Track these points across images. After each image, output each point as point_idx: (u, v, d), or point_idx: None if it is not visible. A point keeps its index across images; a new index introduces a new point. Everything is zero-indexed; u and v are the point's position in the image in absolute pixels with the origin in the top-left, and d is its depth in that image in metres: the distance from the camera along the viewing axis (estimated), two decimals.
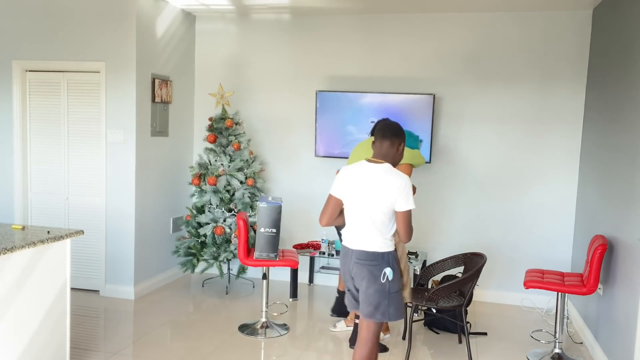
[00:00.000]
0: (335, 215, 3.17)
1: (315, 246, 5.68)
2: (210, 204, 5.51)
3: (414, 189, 4.32)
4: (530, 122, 5.39)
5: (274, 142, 6.01)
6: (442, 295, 4.12)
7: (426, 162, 5.49)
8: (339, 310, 4.83)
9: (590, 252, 4.02)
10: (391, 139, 3.09)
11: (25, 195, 5.44)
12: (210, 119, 5.64)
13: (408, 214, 3.01)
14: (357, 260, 3.04)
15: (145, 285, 5.43)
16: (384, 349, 4.26)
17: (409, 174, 4.23)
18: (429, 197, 5.59)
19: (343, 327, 4.64)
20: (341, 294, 4.65)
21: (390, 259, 3.05)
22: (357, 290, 3.11)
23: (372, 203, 3.01)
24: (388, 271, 3.01)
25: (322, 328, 4.57)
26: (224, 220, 5.46)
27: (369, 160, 3.09)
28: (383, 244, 3.04)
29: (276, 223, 4.40)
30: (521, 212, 5.46)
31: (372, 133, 3.37)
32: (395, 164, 3.13)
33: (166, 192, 5.72)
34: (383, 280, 3.01)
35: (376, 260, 3.02)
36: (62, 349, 3.58)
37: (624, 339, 3.59)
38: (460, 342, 4.48)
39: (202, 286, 5.77)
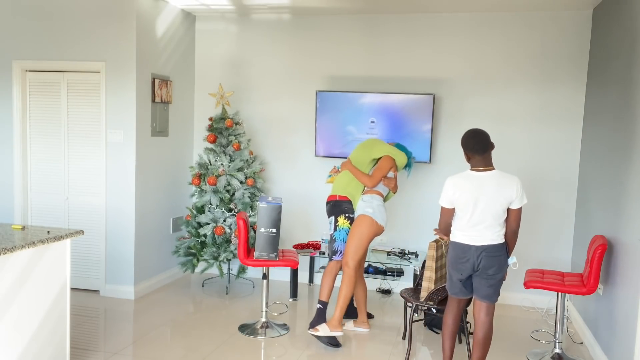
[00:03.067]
0: (451, 222, 3.62)
1: (315, 246, 5.68)
2: (210, 204, 5.51)
3: (396, 187, 4.50)
4: (530, 122, 5.39)
5: (274, 142, 6.01)
6: (442, 295, 4.12)
7: (426, 162, 5.51)
8: (318, 323, 4.30)
9: (590, 252, 4.02)
10: (489, 150, 3.60)
11: (25, 195, 5.44)
12: (210, 119, 5.64)
13: (520, 210, 3.58)
14: (488, 254, 3.47)
15: (145, 285, 5.43)
16: (337, 344, 4.27)
17: (387, 167, 4.38)
18: (429, 197, 5.58)
19: (351, 327, 4.64)
20: (324, 305, 4.32)
21: (506, 248, 3.58)
22: (470, 279, 3.58)
23: (492, 205, 3.46)
24: (512, 259, 3.59)
25: None
26: (224, 220, 5.46)
27: (476, 170, 3.54)
28: (500, 236, 3.53)
29: (276, 223, 4.40)
30: (521, 212, 5.44)
31: (467, 147, 3.74)
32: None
33: (166, 192, 5.72)
34: (515, 267, 3.62)
35: (502, 251, 3.53)
36: (62, 349, 3.58)
37: (624, 339, 3.59)
38: (460, 342, 4.48)
39: (202, 286, 5.77)
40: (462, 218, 3.52)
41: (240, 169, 5.53)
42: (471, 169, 3.57)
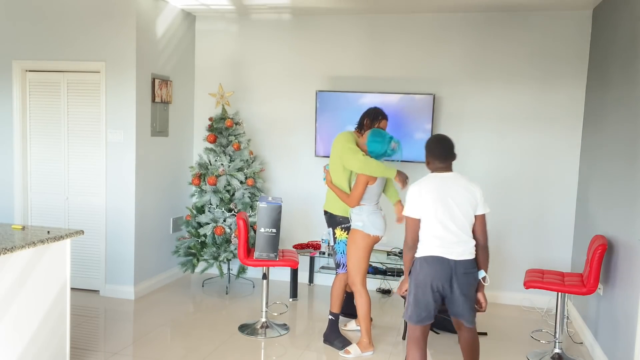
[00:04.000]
0: (418, 232, 3.26)
1: (315, 246, 5.68)
2: (210, 204, 5.51)
3: (403, 181, 4.23)
4: (530, 122, 5.39)
5: (274, 142, 6.01)
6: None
7: (423, 163, 5.49)
8: (332, 337, 4.33)
9: (590, 252, 4.02)
10: (452, 159, 3.34)
11: (25, 195, 5.44)
12: (210, 119, 5.64)
13: (485, 219, 3.31)
14: (465, 269, 3.18)
15: (145, 285, 5.43)
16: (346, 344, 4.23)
17: (363, 184, 4.04)
18: None
19: (353, 327, 4.63)
20: (336, 317, 4.30)
21: (476, 263, 3.27)
22: (442, 301, 3.23)
23: (465, 209, 3.21)
24: (482, 274, 3.27)
25: (322, 328, 4.56)
26: (224, 220, 5.46)
27: (438, 172, 3.28)
28: (474, 249, 3.25)
29: (276, 223, 4.40)
30: (521, 212, 5.46)
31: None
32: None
33: (166, 192, 5.72)
34: (486, 283, 3.29)
35: (475, 266, 3.25)
36: (62, 349, 3.58)
37: (624, 339, 3.59)
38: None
39: (202, 286, 5.77)
40: (432, 226, 3.19)
41: (240, 169, 5.53)
42: (432, 172, 3.33)
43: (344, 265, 4.29)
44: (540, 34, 5.31)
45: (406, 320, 3.31)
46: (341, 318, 4.81)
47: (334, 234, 4.34)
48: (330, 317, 4.34)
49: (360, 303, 4.17)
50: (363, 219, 4.11)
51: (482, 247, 3.28)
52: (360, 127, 4.38)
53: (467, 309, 3.23)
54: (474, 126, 5.51)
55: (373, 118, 4.33)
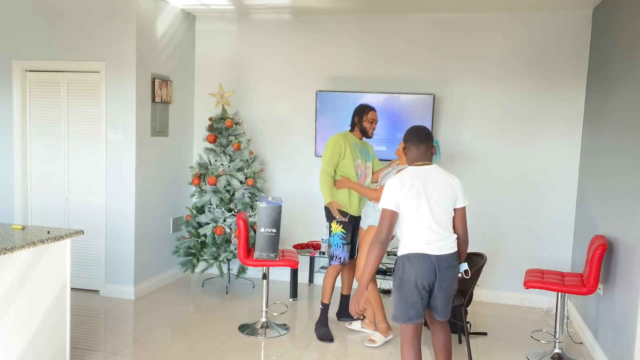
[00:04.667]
0: (394, 227, 3.15)
1: (315, 246, 5.68)
2: (210, 204, 5.50)
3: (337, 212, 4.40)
4: (530, 122, 5.39)
5: (274, 142, 6.01)
6: None
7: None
8: (317, 325, 4.58)
9: (590, 252, 4.02)
10: (427, 142, 3.24)
11: (25, 195, 5.44)
12: (210, 119, 5.64)
13: (465, 209, 3.25)
14: (449, 264, 3.13)
15: (145, 285, 5.43)
16: (330, 339, 4.42)
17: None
18: None
19: (358, 327, 4.65)
20: (325, 307, 4.53)
21: (457, 257, 3.24)
22: (429, 296, 3.15)
23: (445, 202, 3.13)
24: (464, 266, 3.27)
25: None
26: (224, 220, 5.46)
27: (418, 165, 3.19)
28: (455, 243, 3.20)
29: (276, 223, 4.40)
30: (521, 212, 5.46)
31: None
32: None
33: (166, 192, 5.72)
34: (467, 276, 3.28)
35: (456, 260, 3.21)
36: (62, 349, 3.58)
37: (624, 339, 3.59)
38: (460, 342, 4.48)
39: (202, 286, 5.77)
40: (413, 221, 3.09)
41: (240, 169, 5.53)
42: (411, 165, 3.23)
43: (336, 257, 4.45)
44: (540, 34, 5.31)
45: (394, 321, 3.23)
46: (343, 320, 4.83)
47: (330, 227, 4.47)
48: (321, 306, 4.55)
49: (371, 294, 4.39)
50: None
51: (462, 241, 3.24)
52: (353, 127, 4.56)
53: (443, 303, 3.19)
54: (474, 126, 5.51)
55: (360, 114, 4.52)
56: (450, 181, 3.19)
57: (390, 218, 3.10)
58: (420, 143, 3.21)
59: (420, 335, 3.23)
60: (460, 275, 3.26)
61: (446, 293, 3.18)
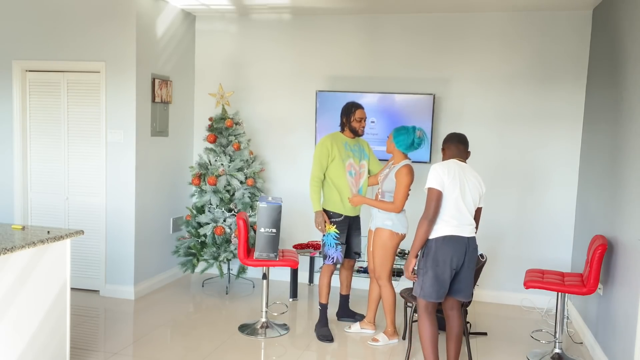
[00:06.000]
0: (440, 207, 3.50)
1: (315, 246, 5.68)
2: (210, 204, 5.51)
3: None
4: (530, 122, 5.39)
5: (274, 142, 6.01)
6: None
7: (426, 162, 5.50)
8: (317, 326, 4.59)
9: (590, 252, 4.02)
10: (464, 144, 3.70)
11: (25, 195, 5.44)
12: (210, 119, 5.64)
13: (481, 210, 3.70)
14: (475, 246, 3.55)
15: (145, 285, 5.43)
16: (330, 339, 4.43)
17: (407, 190, 4.26)
18: None
19: (357, 329, 4.63)
20: (323, 307, 4.54)
21: None
22: (455, 277, 3.52)
23: (476, 194, 3.56)
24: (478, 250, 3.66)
25: None
26: (224, 220, 5.46)
27: (459, 160, 3.61)
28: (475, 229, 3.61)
29: (276, 223, 4.40)
30: (521, 212, 5.46)
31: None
32: None
33: (166, 192, 5.72)
34: (482, 259, 3.78)
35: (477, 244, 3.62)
36: (62, 349, 3.58)
37: (624, 339, 3.59)
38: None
39: (202, 286, 5.77)
40: (452, 205, 3.46)
41: (240, 169, 5.53)
42: (456, 159, 3.64)
43: (329, 257, 4.47)
44: (540, 34, 5.31)
45: (423, 298, 3.55)
46: (343, 320, 4.83)
47: (326, 225, 4.48)
48: (319, 307, 4.56)
49: (385, 296, 4.41)
50: (392, 217, 4.27)
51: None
52: (343, 128, 4.56)
53: (467, 284, 3.58)
54: (474, 126, 5.51)
55: (347, 113, 4.52)
56: (480, 181, 3.62)
57: (437, 197, 3.45)
58: (460, 143, 3.66)
59: (436, 308, 3.64)
60: (481, 257, 3.79)
61: (470, 274, 3.57)
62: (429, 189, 3.47)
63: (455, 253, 3.45)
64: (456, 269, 3.49)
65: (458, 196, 3.46)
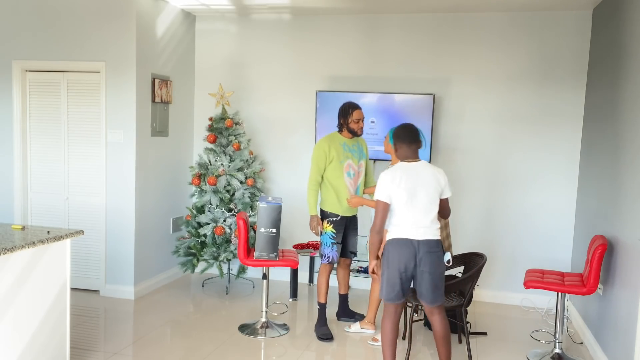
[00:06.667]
0: (387, 217, 3.52)
1: (315, 246, 5.68)
2: (210, 204, 5.50)
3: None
4: (530, 122, 5.39)
5: (274, 142, 6.01)
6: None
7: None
8: (316, 326, 4.58)
9: (590, 252, 4.02)
10: (417, 142, 3.61)
11: (25, 195, 5.44)
12: (210, 119, 5.64)
13: (448, 199, 3.63)
14: (429, 249, 3.44)
15: (145, 285, 5.43)
16: (330, 338, 4.45)
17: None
18: None
19: (357, 329, 4.64)
20: (321, 306, 4.56)
21: (441, 245, 3.54)
22: (409, 281, 3.49)
23: (432, 195, 3.48)
24: (448, 255, 3.54)
25: None
26: (224, 220, 5.46)
27: (406, 161, 3.54)
28: (438, 231, 3.52)
29: (276, 223, 4.40)
30: (521, 212, 5.46)
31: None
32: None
33: (166, 192, 5.72)
34: (448, 264, 3.54)
35: (439, 247, 3.50)
36: (62, 349, 3.58)
37: (624, 339, 3.59)
38: (460, 342, 4.48)
39: (202, 286, 5.77)
40: (401, 211, 3.46)
41: (240, 169, 5.53)
42: (401, 162, 3.59)
43: (325, 256, 4.51)
44: (540, 34, 5.31)
45: (381, 298, 3.64)
46: (343, 320, 4.83)
47: (322, 226, 4.52)
48: (317, 307, 4.58)
49: (376, 289, 4.42)
50: None
51: (443, 227, 3.65)
52: (341, 129, 4.56)
53: (427, 288, 3.47)
54: (474, 126, 5.51)
55: (345, 114, 4.52)
56: (437, 175, 3.53)
57: (382, 209, 3.49)
58: (412, 143, 3.58)
59: (400, 313, 3.64)
60: (447, 263, 3.54)
61: (429, 278, 3.45)
62: (377, 201, 3.51)
63: (402, 256, 3.43)
64: (406, 272, 3.45)
65: (407, 201, 3.44)
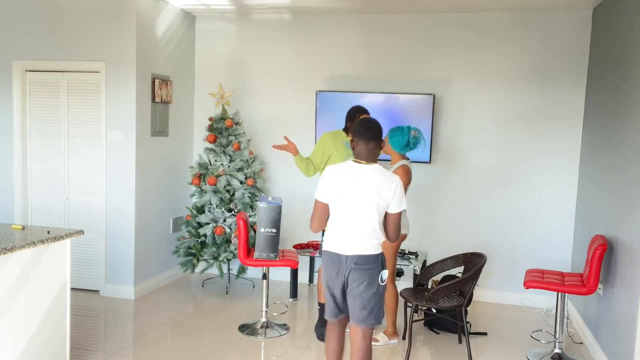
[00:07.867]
0: (326, 219, 3.12)
1: (315, 246, 5.68)
2: (210, 204, 5.51)
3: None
4: (530, 122, 5.39)
5: (274, 142, 5.99)
6: (442, 295, 4.12)
7: (426, 162, 5.51)
8: (317, 325, 4.53)
9: (590, 252, 4.02)
10: (376, 140, 3.09)
11: (25, 195, 5.44)
12: (210, 119, 5.64)
13: (399, 215, 3.07)
14: (356, 265, 3.00)
15: (145, 285, 5.43)
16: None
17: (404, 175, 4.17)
18: (429, 197, 5.60)
19: (386, 341, 4.46)
20: (322, 306, 4.45)
21: (383, 260, 3.10)
22: (343, 298, 3.11)
23: (367, 206, 2.99)
24: (385, 274, 3.07)
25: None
26: (224, 220, 5.46)
27: (355, 161, 3.08)
28: (378, 245, 3.07)
29: (276, 223, 4.40)
30: (521, 212, 5.46)
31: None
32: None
33: (166, 192, 5.72)
34: (382, 283, 3.07)
35: (374, 263, 3.04)
36: (62, 349, 3.58)
37: (624, 339, 3.59)
38: (460, 342, 4.48)
39: (202, 286, 5.77)
40: (335, 218, 3.05)
41: (240, 169, 5.53)
42: (353, 160, 3.10)
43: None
44: (540, 34, 5.31)
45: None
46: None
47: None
48: (318, 307, 4.58)
49: (387, 296, 4.37)
50: None
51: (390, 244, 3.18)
52: (347, 131, 4.55)
53: (355, 305, 3.05)
54: (474, 126, 5.51)
55: (352, 118, 4.49)
56: (385, 186, 3.00)
57: (319, 209, 3.09)
58: (370, 140, 3.06)
59: (341, 331, 3.26)
60: (381, 282, 3.07)
61: (357, 295, 3.02)
62: (315, 200, 3.10)
63: (328, 272, 3.07)
64: (335, 289, 3.08)
65: (343, 209, 3.01)
